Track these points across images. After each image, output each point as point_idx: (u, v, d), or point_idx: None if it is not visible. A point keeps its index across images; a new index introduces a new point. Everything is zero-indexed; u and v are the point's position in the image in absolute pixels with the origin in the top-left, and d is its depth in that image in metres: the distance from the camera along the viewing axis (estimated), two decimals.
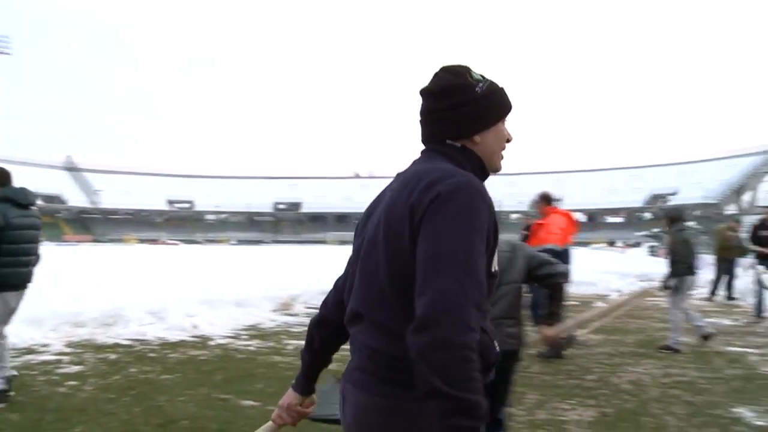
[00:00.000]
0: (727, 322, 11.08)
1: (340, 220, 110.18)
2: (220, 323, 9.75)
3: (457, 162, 1.67)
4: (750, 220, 20.28)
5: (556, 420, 5.03)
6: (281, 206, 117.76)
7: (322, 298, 1.93)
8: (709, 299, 14.55)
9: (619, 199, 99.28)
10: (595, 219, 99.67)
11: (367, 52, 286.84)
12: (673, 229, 8.46)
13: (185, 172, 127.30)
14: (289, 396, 1.94)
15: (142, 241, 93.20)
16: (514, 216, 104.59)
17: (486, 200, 1.52)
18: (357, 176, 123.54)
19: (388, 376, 1.55)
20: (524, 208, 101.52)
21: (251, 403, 5.34)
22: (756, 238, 11.63)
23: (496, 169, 1.76)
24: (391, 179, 1.74)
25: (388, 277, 1.56)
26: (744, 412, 5.24)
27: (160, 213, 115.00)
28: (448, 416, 1.35)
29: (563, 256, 7.59)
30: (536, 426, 4.84)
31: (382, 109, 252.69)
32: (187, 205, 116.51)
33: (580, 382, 6.30)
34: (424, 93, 1.76)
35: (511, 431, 4.22)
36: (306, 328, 1.95)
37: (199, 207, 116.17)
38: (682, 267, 8.22)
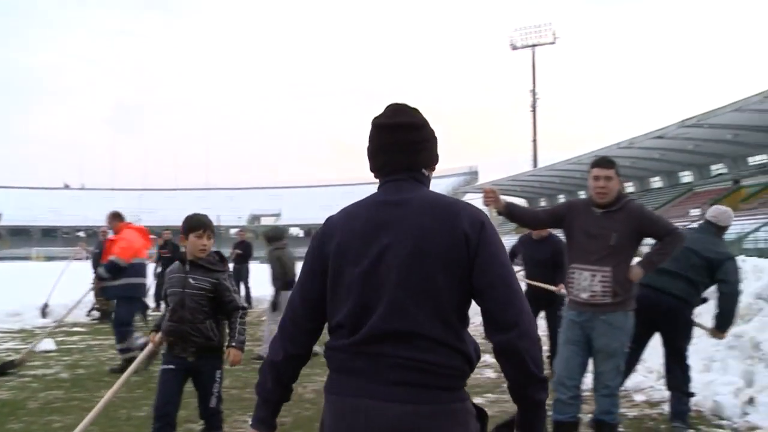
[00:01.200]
0: None
1: (47, 234, 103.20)
2: None
3: (428, 188, 1.97)
4: None
5: None
6: None
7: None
8: None
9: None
10: (311, 233, 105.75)
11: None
12: (270, 247, 9.05)
13: None
14: None
15: None
16: (232, 231, 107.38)
17: None
18: (67, 187, 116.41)
19: (440, 384, 1.75)
20: (243, 222, 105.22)
21: None
22: None
23: None
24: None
25: (451, 299, 1.79)
26: None
27: None
28: (538, 392, 1.80)
29: (137, 269, 8.06)
30: None
31: (95, 117, 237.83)
32: None
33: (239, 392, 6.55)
34: (406, 125, 1.95)
35: None
36: None
37: None
38: (277, 283, 8.86)
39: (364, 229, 1.87)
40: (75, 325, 12.43)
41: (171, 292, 4.22)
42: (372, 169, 2.02)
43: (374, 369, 1.78)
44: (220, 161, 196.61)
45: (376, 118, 2.01)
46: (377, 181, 2.01)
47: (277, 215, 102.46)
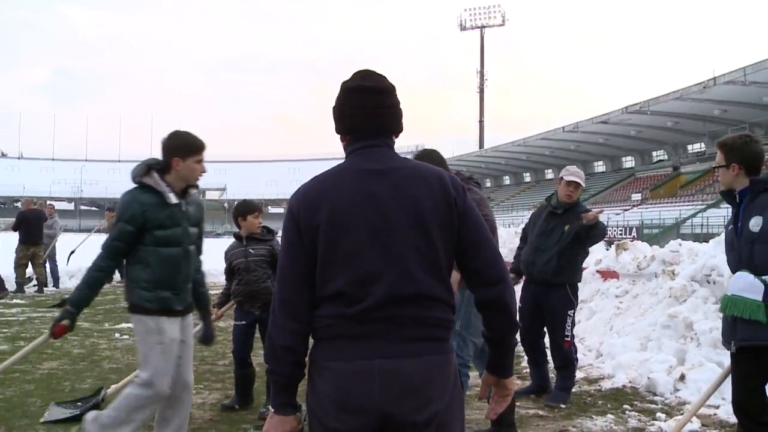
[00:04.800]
0: None
1: None
2: None
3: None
4: None
5: None
6: None
7: None
8: None
9: (279, 189, 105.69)
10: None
11: None
12: None
13: None
14: (289, 421, 1.93)
15: None
16: None
17: None
18: (3, 155, 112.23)
19: (441, 336, 1.92)
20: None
21: None
22: None
23: None
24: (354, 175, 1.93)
25: (444, 260, 1.92)
26: None
27: None
28: (513, 338, 1.99)
29: None
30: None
31: None
32: None
33: (211, 367, 6.55)
34: (377, 89, 1.99)
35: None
36: None
37: None
38: None
39: (355, 199, 1.90)
40: (14, 297, 12.15)
41: (236, 263, 5.14)
42: (340, 131, 2.05)
43: (385, 331, 1.86)
44: (165, 133, 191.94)
45: (346, 81, 2.04)
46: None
47: (223, 189, 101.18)
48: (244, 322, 5.18)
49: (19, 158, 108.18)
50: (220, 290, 5.62)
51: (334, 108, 2.04)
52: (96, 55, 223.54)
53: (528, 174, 70.78)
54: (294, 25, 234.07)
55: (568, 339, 5.59)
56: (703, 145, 46.67)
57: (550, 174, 66.30)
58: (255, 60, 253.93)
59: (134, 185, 3.63)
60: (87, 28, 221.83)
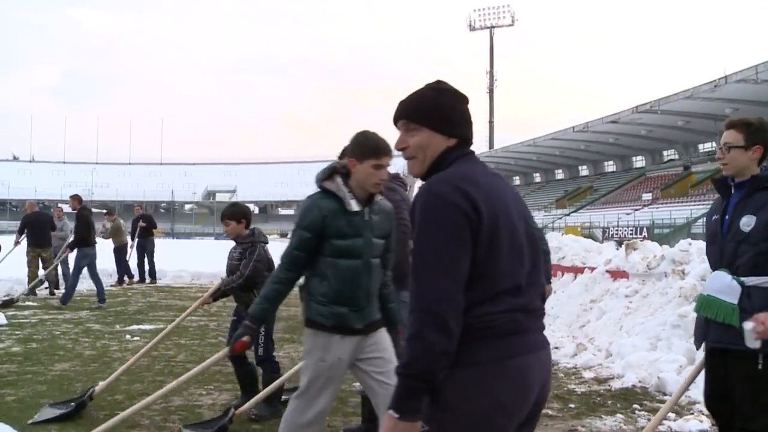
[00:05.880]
0: None
1: None
2: None
3: None
4: None
5: (191, 405, 5.35)
6: None
7: None
8: None
9: (289, 191, 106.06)
10: (267, 211, 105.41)
11: None
12: None
13: None
14: (417, 427, 1.83)
15: None
16: (187, 207, 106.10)
17: None
18: (15, 159, 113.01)
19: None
20: (198, 198, 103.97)
21: None
22: None
23: None
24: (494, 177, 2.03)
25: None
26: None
27: None
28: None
29: None
30: (170, 412, 5.11)
31: None
32: None
33: (221, 368, 6.23)
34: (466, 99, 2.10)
35: (143, 418, 4.80)
36: None
37: None
38: None
39: (501, 196, 1.96)
40: (26, 299, 12.24)
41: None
42: (449, 131, 2.03)
43: (535, 323, 1.97)
44: (175, 136, 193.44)
45: (444, 84, 2.09)
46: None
47: (233, 191, 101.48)
48: (234, 318, 5.29)
49: (30, 161, 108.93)
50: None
51: (442, 107, 2.03)
52: (105, 57, 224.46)
53: (538, 174, 70.65)
54: (301, 26, 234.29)
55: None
56: (714, 144, 46.42)
57: (560, 174, 66.21)
58: (263, 61, 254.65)
59: (317, 190, 3.35)
60: (96, 30, 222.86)
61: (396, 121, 2.09)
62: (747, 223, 3.08)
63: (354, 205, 3.25)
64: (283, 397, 4.97)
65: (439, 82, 2.08)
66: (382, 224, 3.37)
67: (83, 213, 11.88)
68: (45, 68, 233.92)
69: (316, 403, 3.27)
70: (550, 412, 5.23)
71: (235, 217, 5.09)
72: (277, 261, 3.67)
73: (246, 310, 4.91)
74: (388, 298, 3.54)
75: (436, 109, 2.02)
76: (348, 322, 3.28)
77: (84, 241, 11.61)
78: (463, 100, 2.07)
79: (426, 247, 1.86)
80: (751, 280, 3.03)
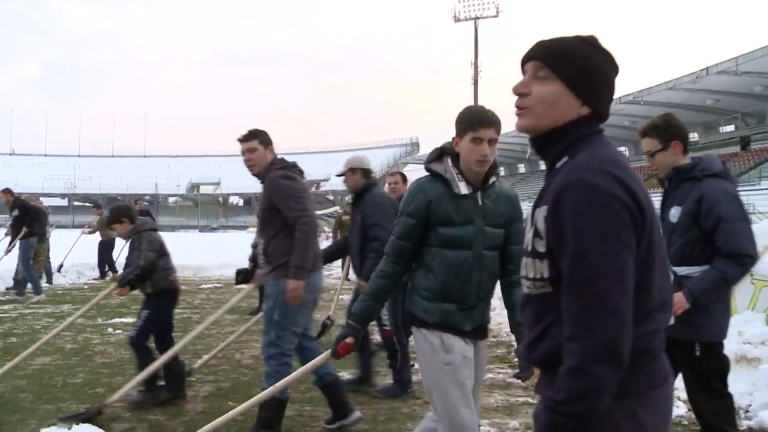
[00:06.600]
0: None
1: None
2: None
3: None
4: None
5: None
6: None
7: None
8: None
9: None
10: (251, 203, 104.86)
11: None
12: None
13: None
14: None
15: None
16: (171, 199, 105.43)
17: None
18: None
19: None
20: (183, 191, 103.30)
21: None
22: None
23: None
24: None
25: None
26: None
27: None
28: None
29: None
30: (154, 406, 4.99)
31: None
32: None
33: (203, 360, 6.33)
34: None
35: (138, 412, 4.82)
36: None
37: None
38: None
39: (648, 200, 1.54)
40: (6, 293, 12.13)
41: None
42: (590, 101, 1.63)
43: (663, 344, 1.60)
44: (159, 129, 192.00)
45: (601, 43, 1.65)
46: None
47: (217, 184, 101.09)
48: (141, 309, 5.38)
49: (11, 154, 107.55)
50: (214, 285, 5.63)
51: (590, 65, 1.61)
52: (88, 49, 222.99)
53: (522, 165, 70.81)
54: (289, 18, 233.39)
55: (387, 328, 5.42)
56: (696, 135, 46.77)
57: (544, 165, 66.37)
58: (250, 54, 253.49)
59: (426, 173, 2.99)
60: (79, 23, 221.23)
61: (525, 61, 1.65)
62: (674, 214, 3.24)
63: (463, 188, 2.87)
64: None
65: (594, 38, 1.64)
66: (500, 211, 2.96)
67: (29, 204, 12.02)
68: (25, 60, 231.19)
69: (463, 420, 2.78)
70: (530, 400, 5.13)
71: (117, 220, 5.29)
72: None
73: (146, 300, 5.19)
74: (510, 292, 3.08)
75: (582, 64, 1.59)
76: (455, 322, 2.88)
77: (33, 232, 11.76)
78: (616, 69, 1.64)
79: (591, 257, 1.45)
80: (682, 270, 3.20)
